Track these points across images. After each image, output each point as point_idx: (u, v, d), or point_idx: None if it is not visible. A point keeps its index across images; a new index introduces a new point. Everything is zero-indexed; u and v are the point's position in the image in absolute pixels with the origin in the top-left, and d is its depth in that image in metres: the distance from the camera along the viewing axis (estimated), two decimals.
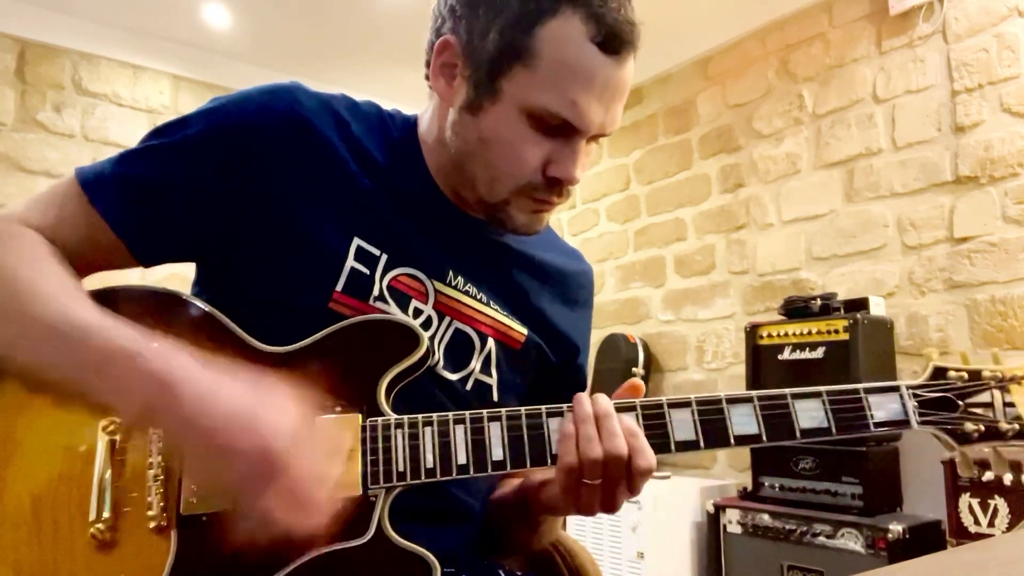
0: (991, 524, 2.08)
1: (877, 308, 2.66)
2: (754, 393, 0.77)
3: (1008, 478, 2.05)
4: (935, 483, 2.28)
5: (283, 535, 0.64)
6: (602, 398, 0.75)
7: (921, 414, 0.78)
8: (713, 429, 0.76)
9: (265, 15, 3.34)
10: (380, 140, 0.89)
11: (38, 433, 0.73)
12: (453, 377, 0.87)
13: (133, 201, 0.79)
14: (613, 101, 0.82)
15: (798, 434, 0.76)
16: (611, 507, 0.74)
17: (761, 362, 2.72)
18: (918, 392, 0.79)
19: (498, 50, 0.79)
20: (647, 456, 0.73)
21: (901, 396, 0.78)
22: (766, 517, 2.60)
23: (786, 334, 2.65)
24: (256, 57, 3.68)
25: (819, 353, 2.55)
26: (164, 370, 0.65)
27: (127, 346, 0.66)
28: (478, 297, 0.90)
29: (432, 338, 0.86)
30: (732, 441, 0.75)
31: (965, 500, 2.14)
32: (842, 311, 2.60)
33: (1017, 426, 0.78)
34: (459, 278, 0.88)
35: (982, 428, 0.78)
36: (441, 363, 0.86)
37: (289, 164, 0.82)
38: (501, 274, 0.93)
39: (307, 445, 0.66)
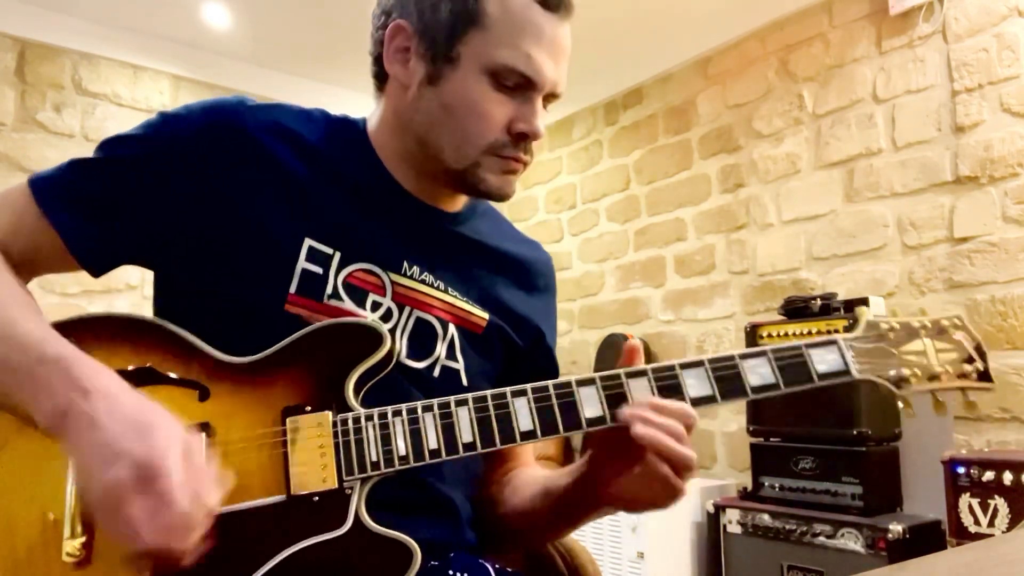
0: (991, 524, 2.08)
1: (877, 308, 2.66)
2: (704, 357, 0.80)
3: (1008, 478, 2.05)
4: (935, 483, 2.28)
5: (142, 550, 0.63)
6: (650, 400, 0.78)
7: (860, 363, 0.82)
8: (670, 395, 0.79)
9: (265, 15, 3.34)
10: (329, 141, 0.91)
11: (11, 455, 0.74)
12: (420, 365, 0.89)
13: (83, 214, 0.82)
14: (559, 59, 0.87)
15: (749, 392, 0.79)
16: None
17: None
18: (854, 344, 0.83)
19: (452, 19, 0.85)
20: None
21: (839, 348, 0.82)
22: (766, 517, 2.60)
23: (786, 334, 2.65)
24: (256, 57, 3.68)
25: None
26: (85, 376, 0.68)
27: (58, 354, 0.69)
28: (435, 285, 0.91)
29: (394, 329, 0.88)
30: (688, 404, 0.78)
31: (965, 500, 2.14)
32: (842, 311, 2.60)
33: (950, 369, 0.84)
34: (415, 267, 0.90)
35: (917, 372, 0.83)
36: (406, 352, 0.88)
37: (232, 175, 0.84)
38: (457, 261, 0.95)
39: (193, 462, 0.66)
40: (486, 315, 0.95)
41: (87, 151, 0.85)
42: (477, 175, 0.88)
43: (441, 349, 0.91)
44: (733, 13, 3.27)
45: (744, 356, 0.81)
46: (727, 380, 0.79)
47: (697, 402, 0.78)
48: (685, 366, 0.80)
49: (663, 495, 0.78)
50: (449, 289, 0.92)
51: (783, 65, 3.25)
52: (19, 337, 0.70)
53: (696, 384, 0.79)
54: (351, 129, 0.94)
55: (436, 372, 0.90)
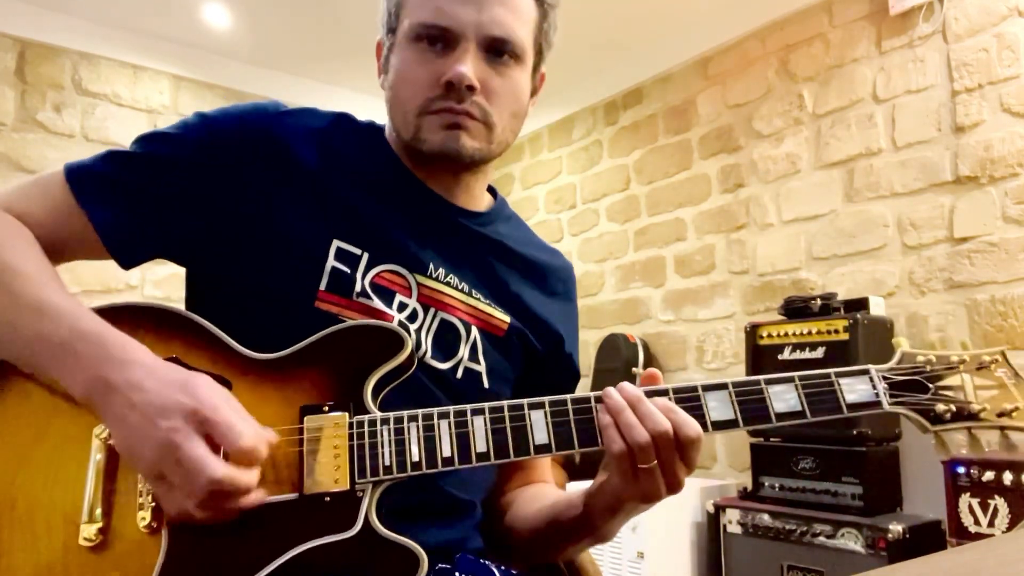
0: (991, 524, 2.08)
1: (877, 308, 2.66)
2: (729, 380, 0.78)
3: (1008, 478, 2.05)
4: (935, 483, 2.28)
5: (208, 483, 0.64)
6: (628, 386, 0.76)
7: (892, 395, 0.79)
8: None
9: (265, 15, 3.34)
10: (356, 145, 0.94)
11: (32, 438, 0.75)
12: (444, 366, 0.90)
13: (117, 206, 0.84)
14: (485, 2, 0.86)
15: (773, 418, 0.77)
16: (675, 486, 0.75)
17: (761, 362, 2.72)
18: (887, 375, 0.80)
19: (390, 15, 0.92)
20: (692, 425, 0.74)
21: (871, 378, 0.79)
22: (766, 517, 2.60)
23: (786, 334, 2.65)
24: (256, 57, 3.68)
25: (819, 353, 2.55)
26: (120, 347, 0.71)
27: (93, 328, 0.72)
28: (459, 287, 0.92)
29: (419, 330, 0.89)
30: (709, 427, 0.76)
31: (965, 500, 2.13)
32: (842, 311, 2.60)
33: (988, 406, 0.79)
34: (440, 269, 0.91)
35: (953, 408, 0.79)
36: (430, 353, 0.89)
37: (262, 178, 0.86)
38: (481, 264, 0.96)
39: (238, 408, 0.70)
40: (507, 318, 0.96)
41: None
42: (420, 139, 0.88)
43: (464, 351, 0.91)
44: (733, 13, 3.27)
45: (770, 381, 0.78)
46: (751, 405, 0.77)
47: (718, 426, 0.76)
48: (708, 388, 0.77)
49: (640, 489, 0.75)
50: (473, 291, 0.93)
51: (783, 65, 3.25)
52: (51, 311, 0.72)
53: (718, 407, 0.76)
54: (376, 134, 0.97)
55: (459, 374, 0.91)
